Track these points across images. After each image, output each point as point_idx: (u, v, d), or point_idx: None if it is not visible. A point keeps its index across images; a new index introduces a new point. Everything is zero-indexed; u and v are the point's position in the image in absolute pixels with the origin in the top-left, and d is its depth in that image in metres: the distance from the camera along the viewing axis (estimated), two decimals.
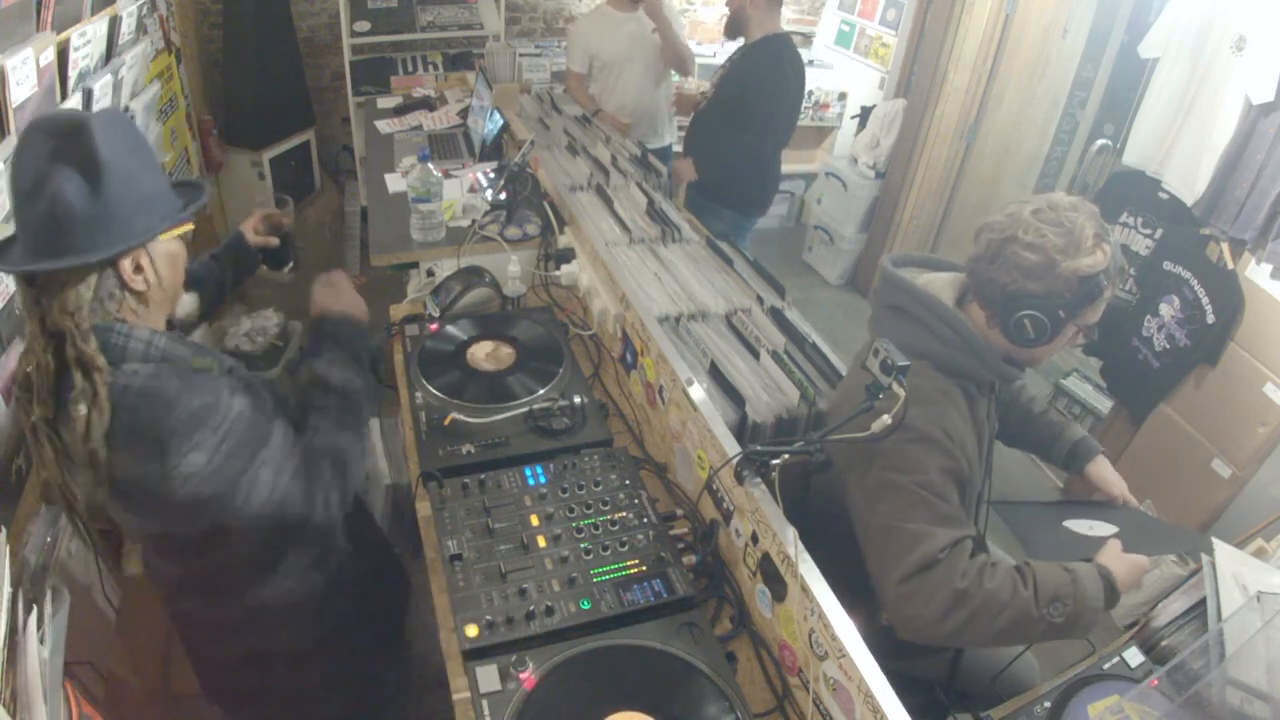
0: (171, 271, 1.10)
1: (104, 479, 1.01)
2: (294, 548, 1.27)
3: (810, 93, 4.29)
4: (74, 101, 1.83)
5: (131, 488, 1.03)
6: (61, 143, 0.97)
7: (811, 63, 4.39)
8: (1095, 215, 1.20)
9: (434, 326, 1.80)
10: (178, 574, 1.27)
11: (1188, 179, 2.32)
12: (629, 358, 1.78)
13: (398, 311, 1.98)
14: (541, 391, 1.62)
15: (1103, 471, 1.51)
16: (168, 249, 1.09)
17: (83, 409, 0.97)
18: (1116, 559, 1.20)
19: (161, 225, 1.06)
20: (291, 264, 1.53)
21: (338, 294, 1.34)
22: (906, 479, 1.17)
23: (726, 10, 2.81)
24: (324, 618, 1.36)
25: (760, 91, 2.73)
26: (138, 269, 1.04)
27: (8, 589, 1.27)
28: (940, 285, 1.32)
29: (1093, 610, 1.12)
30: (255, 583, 1.26)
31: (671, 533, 1.36)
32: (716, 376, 1.56)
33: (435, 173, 2.16)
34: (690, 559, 1.33)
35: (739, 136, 2.79)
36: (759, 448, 1.21)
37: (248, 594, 1.27)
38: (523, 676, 1.10)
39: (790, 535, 1.13)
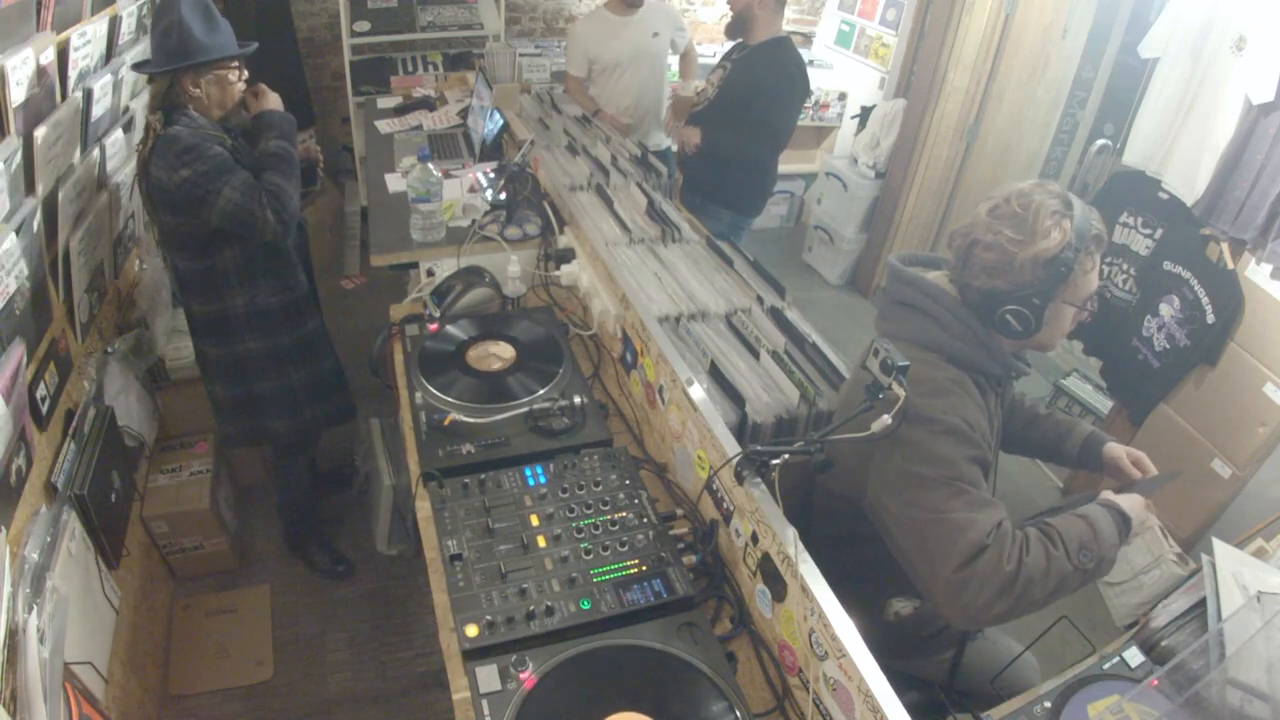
0: (218, 91, 1.85)
1: (144, 187, 1.82)
2: (263, 269, 1.95)
3: (810, 92, 4.29)
4: (74, 101, 1.83)
5: (155, 191, 1.79)
6: (161, 8, 1.75)
7: (811, 63, 4.38)
8: (1056, 193, 1.21)
9: (434, 326, 1.80)
10: (189, 269, 1.92)
11: (1188, 179, 2.32)
12: (629, 358, 1.78)
13: (398, 311, 1.98)
14: (541, 391, 1.62)
15: (1117, 449, 1.47)
16: (215, 77, 1.83)
17: (140, 148, 1.82)
18: (1116, 496, 1.25)
19: (194, 60, 1.76)
20: (318, 185, 2.09)
21: (266, 98, 2.00)
22: (937, 472, 1.17)
23: (729, 10, 2.79)
24: (288, 330, 2.05)
25: (767, 95, 2.72)
26: (195, 84, 1.80)
27: (8, 589, 1.27)
28: (947, 282, 1.33)
29: (1113, 548, 1.16)
30: (236, 289, 1.93)
31: (671, 533, 1.36)
32: (716, 376, 1.56)
33: (435, 173, 2.17)
34: (690, 559, 1.33)
35: (739, 137, 2.78)
36: (759, 448, 1.21)
37: (230, 297, 1.94)
38: (523, 676, 1.10)
39: (790, 535, 1.13)
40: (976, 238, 1.23)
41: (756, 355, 1.63)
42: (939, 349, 1.27)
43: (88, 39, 1.92)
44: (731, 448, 1.30)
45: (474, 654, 1.13)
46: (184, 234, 1.84)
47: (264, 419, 2.12)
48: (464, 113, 3.19)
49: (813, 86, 4.23)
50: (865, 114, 4.15)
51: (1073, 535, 1.15)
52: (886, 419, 1.14)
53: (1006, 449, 1.59)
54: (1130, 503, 1.24)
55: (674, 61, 3.47)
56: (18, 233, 1.54)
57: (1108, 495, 1.25)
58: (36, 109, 1.64)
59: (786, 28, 4.75)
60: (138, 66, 1.88)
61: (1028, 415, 1.58)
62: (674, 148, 3.41)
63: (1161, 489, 1.41)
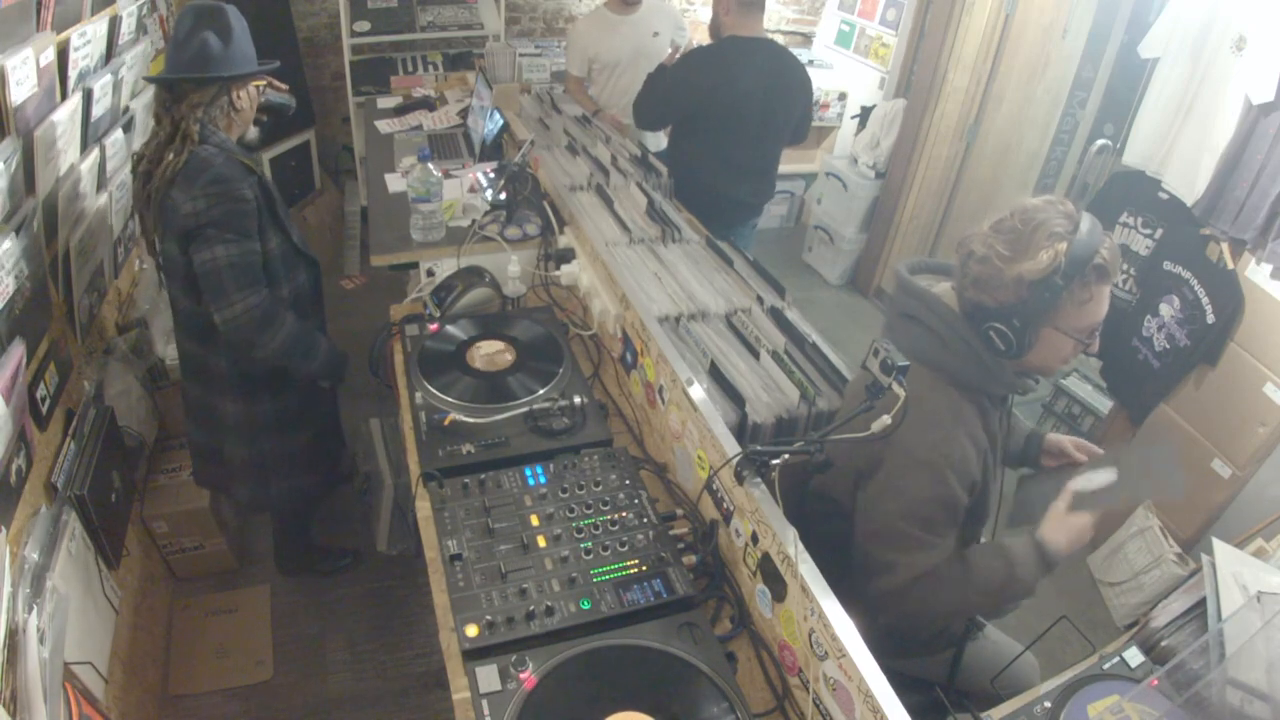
0: (250, 104, 1.77)
1: (158, 202, 1.65)
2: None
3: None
4: (74, 101, 1.83)
5: (167, 211, 1.65)
6: (209, 16, 1.63)
7: (811, 63, 4.38)
8: (1067, 214, 1.16)
9: (434, 326, 1.80)
10: (185, 307, 1.79)
11: (1188, 179, 2.32)
12: (629, 358, 1.78)
13: (398, 311, 1.98)
14: (541, 391, 1.62)
15: (1060, 438, 1.49)
16: (249, 91, 1.76)
17: (170, 156, 1.62)
18: (1056, 528, 1.25)
19: (253, 71, 1.73)
20: (290, 110, 2.01)
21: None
22: (898, 504, 1.23)
23: None
24: (270, 397, 1.91)
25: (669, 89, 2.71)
26: (239, 95, 1.71)
27: (8, 589, 1.27)
28: (952, 295, 1.31)
29: (1027, 585, 1.24)
30: (220, 343, 1.78)
31: (671, 533, 1.36)
32: (716, 376, 1.56)
33: (435, 173, 2.16)
34: (690, 559, 1.33)
35: (680, 143, 2.81)
36: (759, 448, 1.21)
37: (214, 347, 1.81)
38: (523, 676, 1.10)
39: (790, 535, 1.13)
40: (972, 248, 1.20)
41: (756, 355, 1.63)
42: (939, 366, 1.25)
43: (88, 39, 1.92)
44: (731, 448, 1.30)
45: (474, 654, 1.13)
46: (184, 265, 1.69)
47: (235, 483, 2.00)
48: (464, 113, 3.19)
49: (812, 86, 4.25)
50: (865, 114, 4.15)
51: (986, 577, 1.25)
52: (886, 419, 1.14)
53: None
54: (1067, 538, 1.24)
55: None
56: (18, 233, 1.54)
57: (1045, 532, 1.25)
58: (36, 109, 1.64)
59: (787, 28, 4.77)
60: (168, 79, 1.64)
61: None
62: None
63: (1112, 504, 1.34)
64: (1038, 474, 1.50)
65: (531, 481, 1.42)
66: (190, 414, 1.98)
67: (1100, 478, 1.29)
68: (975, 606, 1.27)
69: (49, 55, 1.68)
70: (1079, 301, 1.17)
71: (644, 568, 1.27)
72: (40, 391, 1.62)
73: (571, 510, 1.37)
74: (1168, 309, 2.44)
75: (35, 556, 1.45)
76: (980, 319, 1.21)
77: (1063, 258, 1.12)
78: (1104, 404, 3.05)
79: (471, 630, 1.16)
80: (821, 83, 4.34)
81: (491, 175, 2.49)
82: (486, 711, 1.05)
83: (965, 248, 1.22)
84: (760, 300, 1.82)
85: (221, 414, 1.90)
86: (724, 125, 2.67)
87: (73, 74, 1.85)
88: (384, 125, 3.18)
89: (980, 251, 1.18)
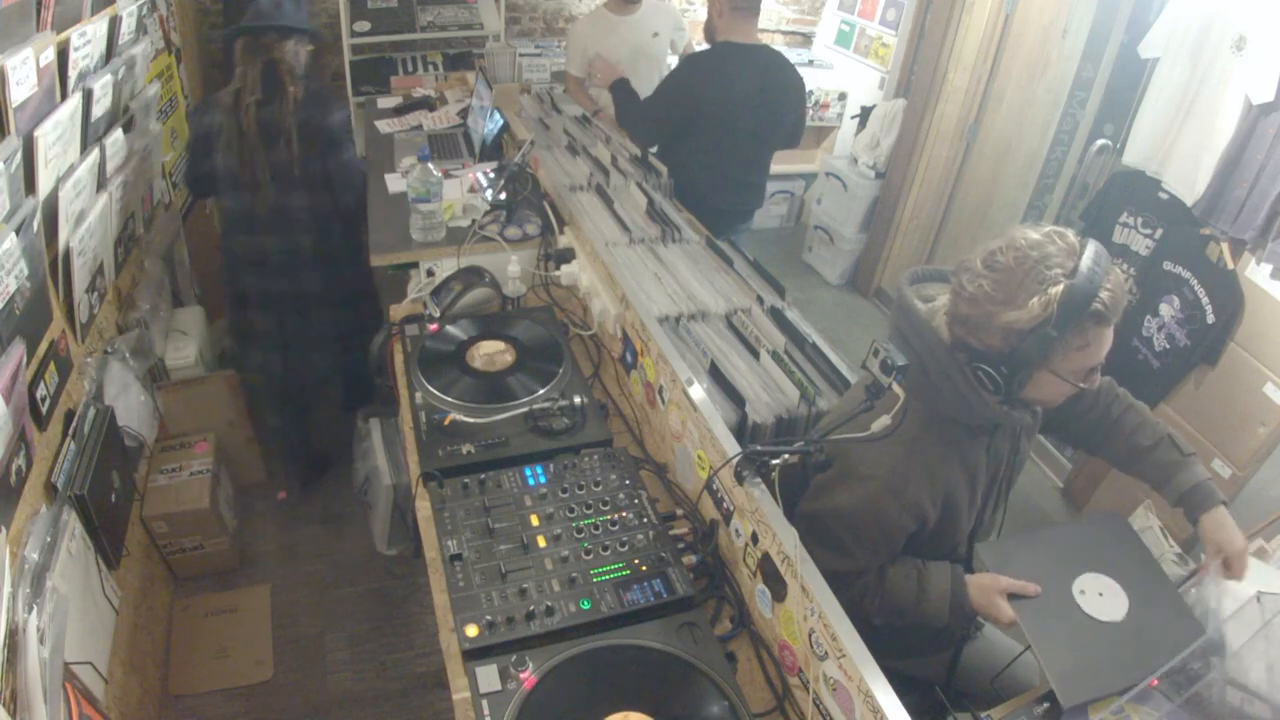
0: (307, 58, 2.29)
1: (293, 126, 2.17)
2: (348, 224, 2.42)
3: (810, 92, 4.28)
4: (74, 101, 1.83)
5: (305, 131, 2.19)
6: None
7: (811, 62, 4.39)
8: (1068, 250, 1.06)
9: (434, 326, 1.80)
10: (295, 206, 2.28)
11: (1188, 179, 2.32)
12: (629, 358, 1.78)
13: (398, 311, 1.98)
14: (541, 391, 1.62)
15: (1217, 532, 1.28)
16: (306, 48, 2.27)
17: (293, 88, 2.17)
18: (985, 591, 1.23)
19: (314, 32, 2.30)
20: None
21: None
22: (835, 504, 1.26)
23: None
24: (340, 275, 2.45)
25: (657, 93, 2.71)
26: (300, 50, 2.22)
27: (8, 589, 1.27)
28: (943, 316, 1.25)
29: (930, 619, 1.27)
30: (314, 231, 2.34)
31: (671, 533, 1.36)
32: (716, 376, 1.56)
33: (435, 173, 2.16)
34: (690, 559, 1.33)
35: (670, 150, 2.79)
36: (759, 448, 1.21)
37: (306, 236, 2.34)
38: (523, 676, 1.10)
39: (790, 535, 1.13)
40: (963, 284, 1.12)
41: (756, 355, 1.63)
42: (916, 392, 1.20)
43: (88, 39, 1.92)
44: (731, 448, 1.30)
45: (474, 654, 1.14)
46: (320, 169, 2.25)
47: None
48: (464, 113, 3.19)
49: (813, 86, 4.25)
50: (865, 114, 4.15)
51: (891, 598, 1.29)
52: (886, 419, 1.14)
53: (1115, 465, 1.45)
54: (986, 606, 1.22)
55: (674, 62, 3.46)
56: (18, 233, 1.53)
57: (973, 585, 1.25)
58: (36, 109, 1.64)
59: (786, 28, 4.77)
60: (286, 29, 2.18)
61: (1126, 446, 1.40)
62: None
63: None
64: (1039, 545, 1.32)
65: (531, 481, 1.42)
66: (293, 312, 2.41)
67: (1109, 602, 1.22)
68: (869, 614, 1.27)
69: (49, 55, 1.68)
70: (1075, 347, 1.11)
71: (644, 568, 1.27)
72: (40, 391, 1.62)
73: (571, 510, 1.37)
74: (1168, 309, 2.44)
75: (35, 556, 1.45)
76: (968, 357, 1.16)
77: (1055, 306, 1.04)
78: None
79: (471, 630, 1.16)
80: (821, 83, 4.34)
81: (491, 175, 2.49)
82: (486, 711, 1.05)
83: (957, 279, 1.15)
84: (760, 300, 1.82)
85: (342, 285, 2.44)
86: (716, 133, 2.66)
87: (73, 74, 1.85)
88: (384, 125, 3.18)
89: (970, 289, 1.11)
